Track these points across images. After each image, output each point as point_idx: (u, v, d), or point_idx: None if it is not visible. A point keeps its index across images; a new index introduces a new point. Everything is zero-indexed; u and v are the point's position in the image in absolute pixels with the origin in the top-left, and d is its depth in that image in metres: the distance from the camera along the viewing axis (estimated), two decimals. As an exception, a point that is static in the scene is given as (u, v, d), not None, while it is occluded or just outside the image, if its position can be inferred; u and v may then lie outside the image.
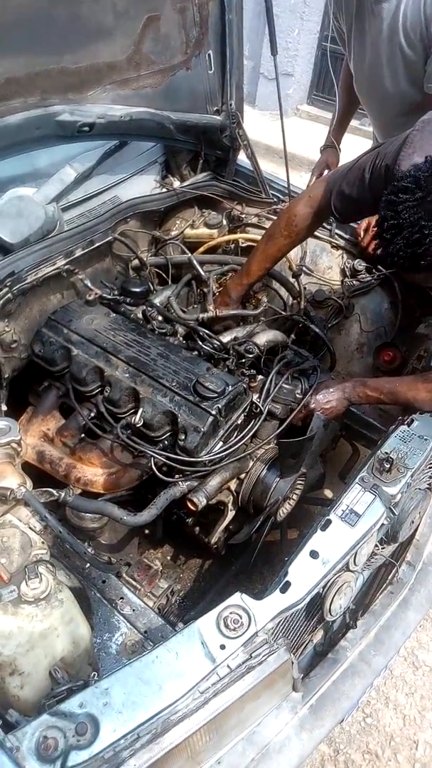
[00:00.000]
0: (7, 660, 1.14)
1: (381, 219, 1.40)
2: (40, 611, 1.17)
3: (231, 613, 1.17)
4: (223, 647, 1.13)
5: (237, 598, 1.20)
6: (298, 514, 1.95)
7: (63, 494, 1.51)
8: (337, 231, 2.29)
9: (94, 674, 1.22)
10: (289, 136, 2.39)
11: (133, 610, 1.55)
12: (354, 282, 2.22)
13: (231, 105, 2.32)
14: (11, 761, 0.96)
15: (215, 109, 2.34)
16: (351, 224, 2.25)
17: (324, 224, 2.18)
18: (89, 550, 1.50)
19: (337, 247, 2.30)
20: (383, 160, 1.60)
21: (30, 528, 1.31)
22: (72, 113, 1.84)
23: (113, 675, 1.08)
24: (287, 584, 1.24)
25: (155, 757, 1.03)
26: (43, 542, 1.28)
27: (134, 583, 1.78)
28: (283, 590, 1.23)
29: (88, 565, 1.51)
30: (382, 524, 1.42)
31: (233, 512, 1.78)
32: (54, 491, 1.50)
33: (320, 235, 2.27)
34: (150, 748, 1.03)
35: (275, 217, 2.37)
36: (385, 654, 1.52)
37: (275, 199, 2.43)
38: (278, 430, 1.78)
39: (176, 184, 2.46)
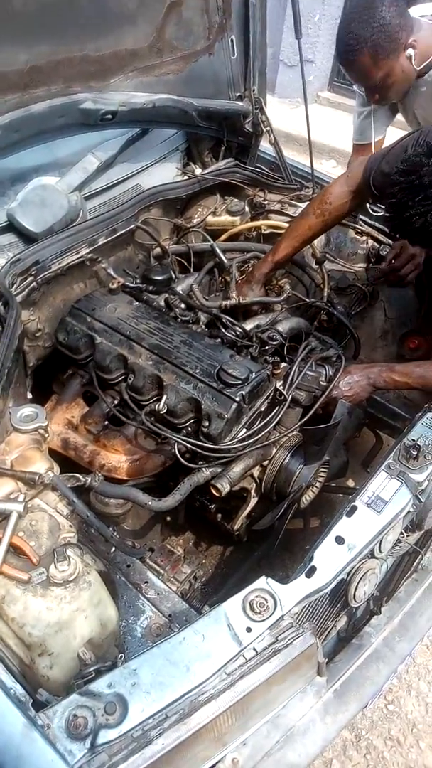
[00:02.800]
0: (37, 641, 1.16)
1: (398, 183, 1.42)
2: (68, 593, 1.19)
3: (257, 596, 1.18)
4: (249, 630, 1.14)
5: (263, 582, 1.21)
6: (320, 503, 1.95)
7: (89, 479, 1.53)
8: (361, 217, 2.26)
9: (122, 656, 1.24)
10: (310, 123, 2.37)
11: (158, 594, 1.57)
12: (378, 268, 2.20)
13: (254, 90, 2.30)
14: (43, 738, 0.98)
15: (238, 95, 2.33)
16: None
17: None
18: (115, 534, 1.52)
19: (361, 233, 2.28)
20: (426, 138, 1.60)
21: (57, 512, 1.32)
22: (95, 101, 1.84)
23: (141, 656, 1.10)
24: (313, 569, 1.24)
25: (183, 737, 1.04)
26: (71, 526, 1.30)
27: (158, 568, 1.80)
28: (309, 575, 1.23)
29: (113, 549, 1.54)
30: (408, 511, 1.41)
31: (256, 499, 1.78)
32: (80, 476, 1.51)
33: (345, 222, 2.25)
34: (177, 728, 1.04)
35: (298, 204, 2.36)
36: (410, 640, 1.52)
37: (298, 185, 2.41)
38: (304, 419, 1.77)
39: (198, 171, 2.45)
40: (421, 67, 2.08)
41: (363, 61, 2.01)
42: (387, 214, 1.77)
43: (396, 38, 1.97)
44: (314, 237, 2.04)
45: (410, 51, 2.02)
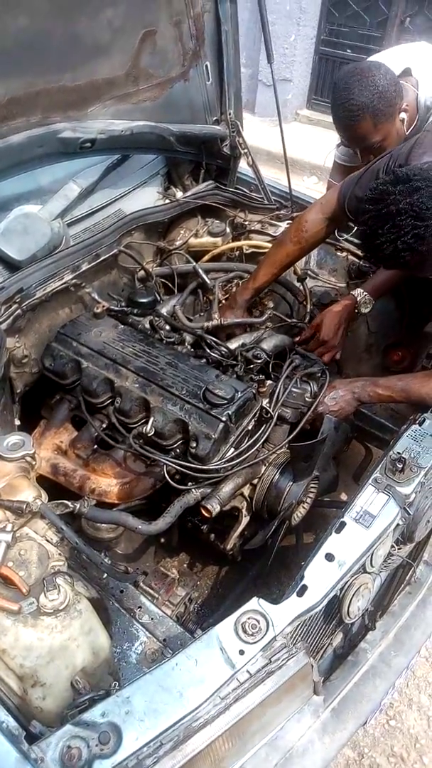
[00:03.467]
0: (29, 672, 1.15)
1: (368, 211, 1.46)
2: (59, 622, 1.18)
3: (249, 618, 1.18)
4: (242, 653, 1.13)
5: (254, 603, 1.20)
6: (313, 518, 1.95)
7: (78, 506, 1.53)
8: (341, 234, 2.30)
9: (115, 683, 1.23)
10: (289, 141, 2.42)
11: (152, 619, 1.56)
12: (360, 283, 2.22)
13: (230, 114, 2.35)
14: (36, 772, 0.97)
15: (215, 119, 2.37)
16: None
17: None
18: (106, 560, 1.51)
19: (341, 249, 2.31)
20: (396, 162, 1.64)
21: (47, 540, 1.32)
22: (73, 130, 1.87)
23: (134, 683, 1.09)
24: (304, 588, 1.24)
25: (178, 764, 1.04)
26: (60, 554, 1.29)
27: (152, 592, 1.79)
28: (300, 594, 1.23)
29: (106, 575, 1.52)
30: (398, 524, 1.42)
31: (248, 518, 1.78)
32: (69, 503, 1.51)
33: (325, 239, 2.28)
34: (173, 756, 1.04)
35: (278, 223, 2.39)
36: (406, 654, 1.51)
37: (277, 205, 2.45)
38: (291, 436, 1.78)
39: (179, 194, 2.48)
40: (410, 130, 2.17)
41: (364, 126, 2.07)
42: (360, 241, 1.82)
43: (393, 103, 2.05)
44: (292, 263, 2.08)
45: (403, 114, 2.12)
